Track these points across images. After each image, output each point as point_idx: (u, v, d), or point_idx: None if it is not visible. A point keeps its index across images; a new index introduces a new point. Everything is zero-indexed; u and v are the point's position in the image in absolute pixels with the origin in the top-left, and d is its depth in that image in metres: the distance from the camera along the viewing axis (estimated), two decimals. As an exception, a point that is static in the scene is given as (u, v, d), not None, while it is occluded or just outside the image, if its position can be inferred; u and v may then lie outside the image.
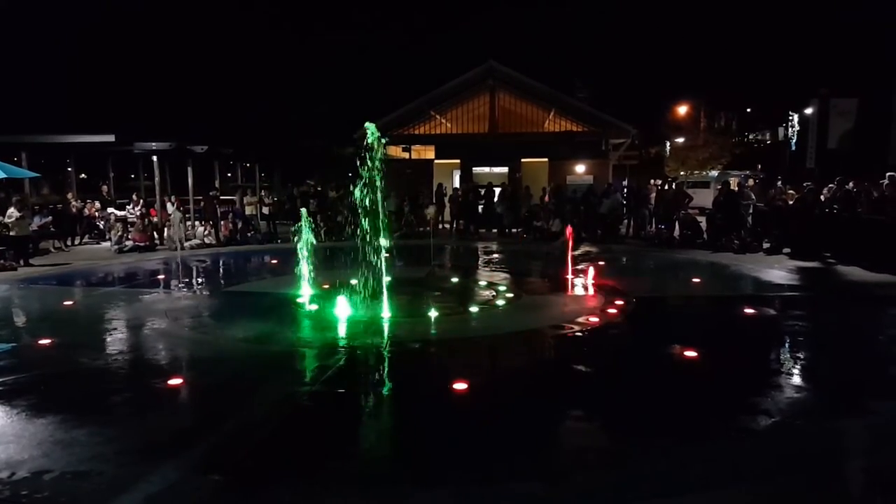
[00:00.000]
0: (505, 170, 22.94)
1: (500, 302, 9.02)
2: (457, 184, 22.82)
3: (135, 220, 16.76)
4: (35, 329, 7.81)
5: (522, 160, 22.87)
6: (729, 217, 14.87)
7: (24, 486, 3.59)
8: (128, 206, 17.92)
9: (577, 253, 14.43)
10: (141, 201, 17.82)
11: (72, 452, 4.01)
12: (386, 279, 8.15)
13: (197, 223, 17.95)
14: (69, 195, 17.91)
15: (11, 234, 12.76)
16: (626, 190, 19.99)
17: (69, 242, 16.67)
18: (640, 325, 7.85)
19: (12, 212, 12.94)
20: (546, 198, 18.85)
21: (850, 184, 14.63)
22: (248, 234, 17.62)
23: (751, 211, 15.24)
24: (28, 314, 8.99)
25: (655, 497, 3.47)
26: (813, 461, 3.88)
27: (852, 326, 7.63)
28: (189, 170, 18.80)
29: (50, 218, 15.83)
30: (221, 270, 13.46)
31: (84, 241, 17.56)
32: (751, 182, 17.50)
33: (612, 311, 8.23)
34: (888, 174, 13.05)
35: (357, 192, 8.08)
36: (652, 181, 21.97)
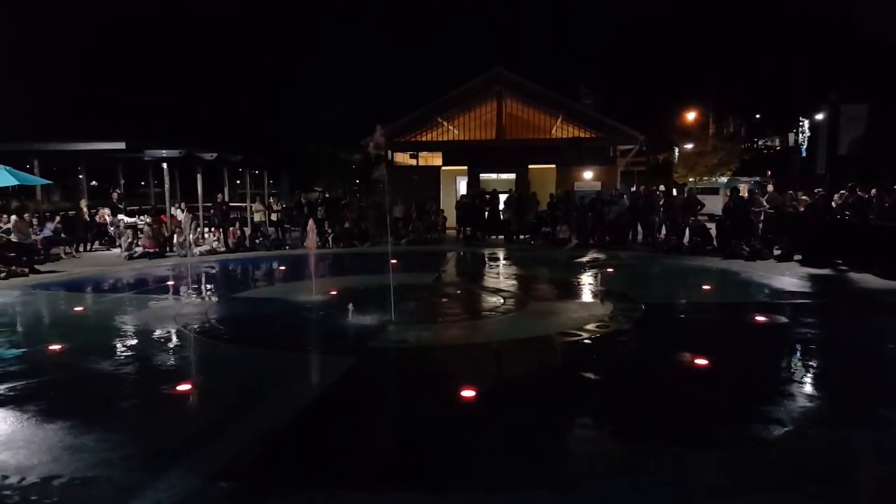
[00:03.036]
0: (512, 176, 22.92)
1: (508, 308, 8.99)
2: (463, 190, 22.83)
3: (144, 226, 16.86)
4: (45, 335, 7.85)
5: (530, 166, 22.84)
6: (739, 223, 14.78)
7: (33, 491, 3.59)
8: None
9: (585, 259, 14.40)
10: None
11: (80, 458, 4.01)
12: (393, 285, 8.15)
13: (206, 229, 18.05)
14: (81, 202, 18.04)
15: (13, 239, 12.83)
16: (633, 196, 19.89)
17: (80, 249, 16.78)
18: (650, 333, 7.78)
19: (14, 219, 13.04)
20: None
21: (871, 191, 14.45)
22: (257, 241, 17.69)
23: (762, 218, 15.13)
24: (38, 320, 9.05)
25: (666, 506, 3.44)
26: (826, 471, 3.83)
27: (865, 334, 7.54)
28: (198, 177, 18.91)
29: (58, 219, 15.93)
30: (230, 276, 13.51)
31: (94, 247, 17.68)
32: (770, 187, 17.32)
33: (620, 317, 8.19)
34: None
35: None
36: (656, 187, 21.83)
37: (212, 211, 18.98)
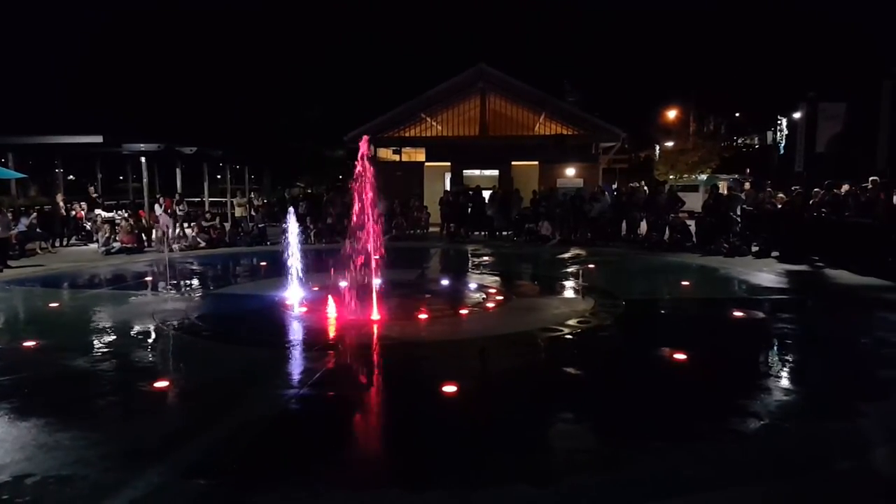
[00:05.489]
0: (496, 172, 22.96)
1: (491, 304, 9.00)
2: (447, 186, 22.81)
3: (122, 221, 16.62)
4: (19, 331, 7.70)
5: (513, 163, 22.90)
6: (718, 220, 14.94)
7: (6, 490, 3.52)
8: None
9: (567, 256, 14.47)
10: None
11: (55, 456, 3.94)
12: (376, 281, 8.11)
13: (185, 225, 17.83)
14: (58, 196, 17.73)
15: None
16: (614, 192, 20.02)
17: (56, 244, 16.50)
18: (630, 328, 7.85)
19: None
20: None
21: (847, 187, 14.63)
22: (238, 237, 17.52)
23: (739, 213, 15.31)
24: (12, 316, 8.87)
25: (647, 499, 3.46)
26: (803, 463, 3.89)
27: (840, 329, 7.66)
28: (178, 171, 18.68)
29: (34, 215, 15.65)
30: (209, 272, 13.35)
31: (71, 242, 17.40)
32: (747, 185, 17.53)
33: (602, 313, 8.24)
34: (871, 178, 13.16)
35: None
36: (637, 183, 22.01)
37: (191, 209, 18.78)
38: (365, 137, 8.37)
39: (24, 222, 14.98)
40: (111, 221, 16.98)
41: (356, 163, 8.10)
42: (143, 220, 17.04)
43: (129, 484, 3.56)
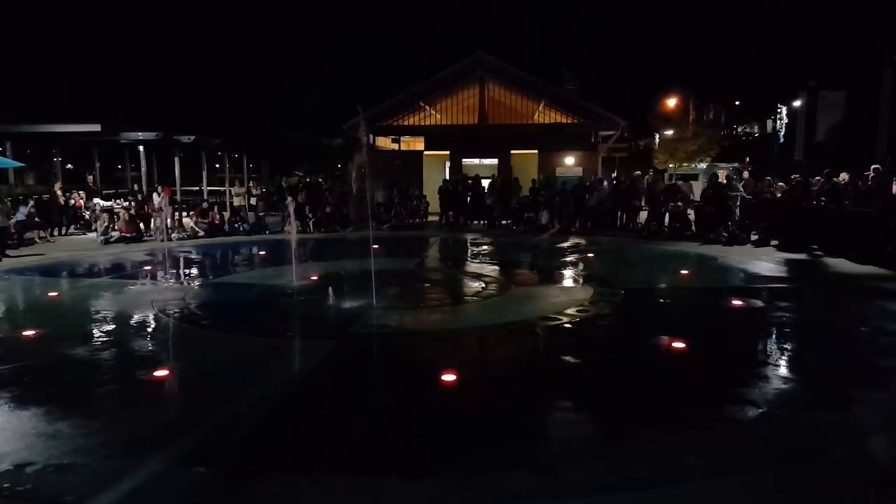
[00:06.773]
0: (495, 161, 22.89)
1: (489, 293, 9.01)
2: (447, 175, 22.75)
3: (121, 210, 16.59)
4: (19, 320, 7.70)
5: (512, 152, 22.83)
6: (717, 209, 14.92)
7: (6, 479, 3.53)
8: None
9: (566, 245, 14.46)
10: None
11: (55, 445, 3.95)
12: (375, 270, 8.11)
13: (184, 213, 17.79)
14: (56, 185, 17.69)
15: None
16: (613, 182, 19.97)
17: (55, 233, 16.49)
18: (629, 317, 7.85)
19: None
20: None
21: (846, 176, 14.59)
22: (236, 226, 17.49)
23: (738, 203, 15.30)
24: (11, 305, 8.87)
25: (646, 488, 3.46)
26: (800, 451, 3.90)
27: (838, 318, 7.67)
28: (176, 160, 18.61)
29: (32, 204, 15.63)
30: (208, 261, 13.35)
31: (70, 231, 17.38)
32: (745, 174, 17.49)
33: (600, 302, 8.25)
34: (873, 167, 13.12)
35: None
36: (642, 173, 21.94)
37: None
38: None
39: (22, 211, 14.96)
40: (110, 210, 16.96)
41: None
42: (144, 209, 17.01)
43: (130, 473, 3.57)
